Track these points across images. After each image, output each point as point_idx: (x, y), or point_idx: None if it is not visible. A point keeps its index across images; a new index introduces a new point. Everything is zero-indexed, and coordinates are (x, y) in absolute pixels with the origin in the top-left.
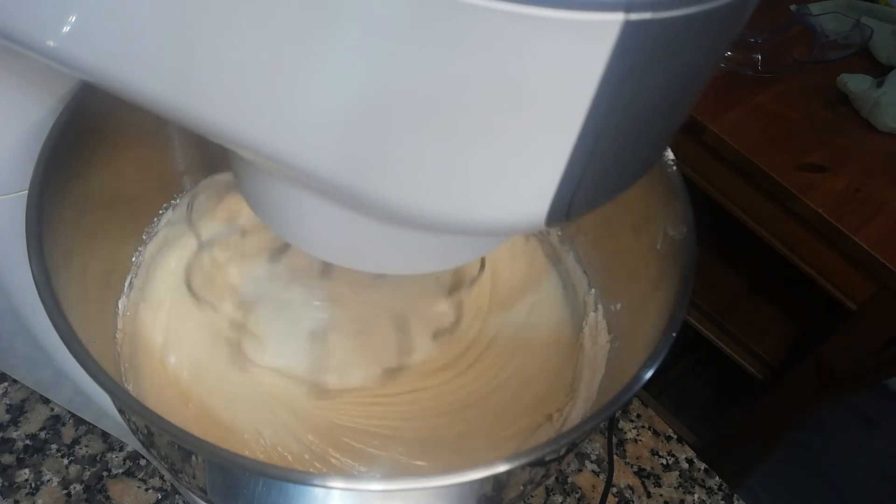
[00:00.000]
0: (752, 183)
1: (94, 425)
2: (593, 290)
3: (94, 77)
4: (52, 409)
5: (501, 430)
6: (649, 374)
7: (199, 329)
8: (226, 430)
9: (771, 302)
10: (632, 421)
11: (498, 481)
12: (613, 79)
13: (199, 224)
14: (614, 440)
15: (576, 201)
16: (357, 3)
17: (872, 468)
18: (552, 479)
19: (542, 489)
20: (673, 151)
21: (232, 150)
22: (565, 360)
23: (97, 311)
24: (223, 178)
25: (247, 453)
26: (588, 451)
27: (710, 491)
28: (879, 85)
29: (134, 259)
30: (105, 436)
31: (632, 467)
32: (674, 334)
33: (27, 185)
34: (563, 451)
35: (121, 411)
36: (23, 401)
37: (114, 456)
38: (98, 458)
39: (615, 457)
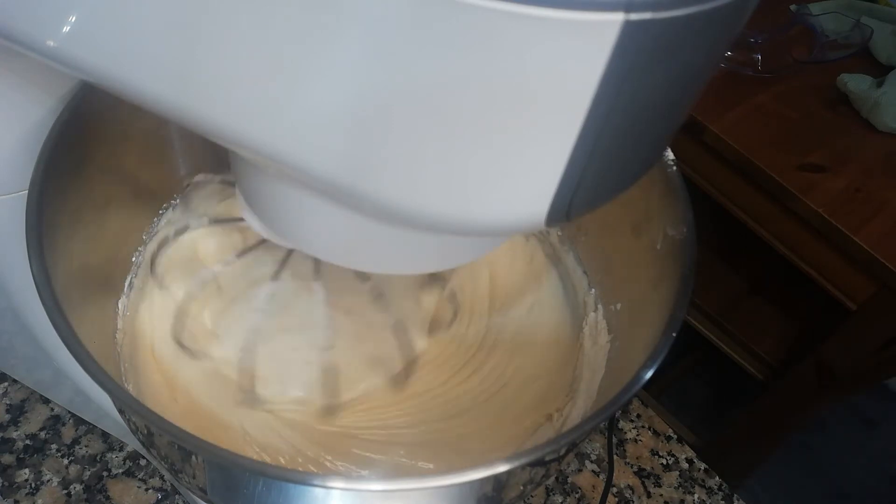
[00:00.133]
0: (752, 183)
1: (94, 425)
2: (593, 290)
3: (94, 77)
4: (52, 409)
5: (502, 431)
6: (649, 374)
7: (198, 376)
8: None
9: (771, 302)
10: (632, 421)
11: (498, 481)
12: (613, 79)
13: (168, 280)
14: (614, 440)
15: (576, 201)
16: (357, 3)
17: (872, 468)
18: (552, 479)
19: (542, 489)
20: (673, 151)
21: (232, 150)
22: (565, 360)
23: (97, 311)
24: (174, 218)
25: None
26: (588, 451)
27: (710, 491)
28: (879, 85)
29: (134, 259)
30: (105, 436)
31: (632, 467)
32: (674, 334)
33: (27, 185)
34: (563, 451)
35: (121, 411)
36: (23, 401)
37: (114, 456)
38: (98, 458)
39: (615, 457)
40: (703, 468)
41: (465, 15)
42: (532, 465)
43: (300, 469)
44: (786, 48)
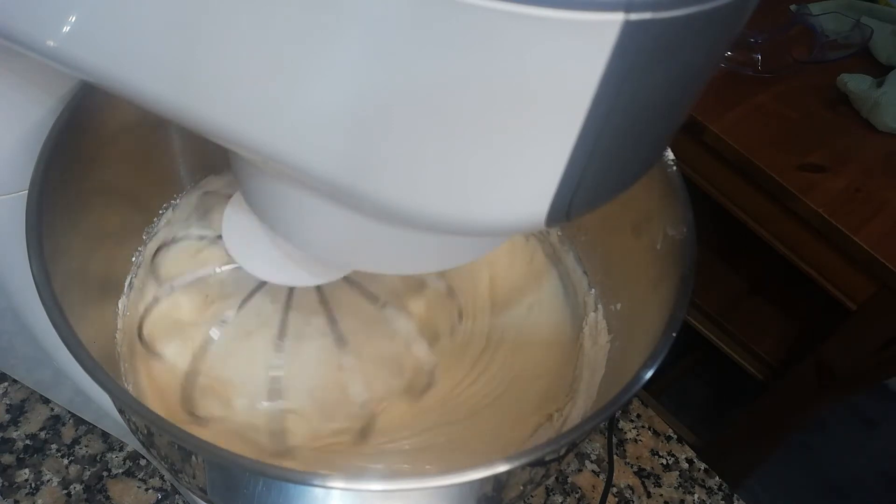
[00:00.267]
0: (752, 183)
1: (94, 425)
2: (593, 290)
3: (94, 77)
4: (52, 409)
5: (504, 433)
6: (649, 374)
7: (220, 437)
8: None
9: (771, 302)
10: (632, 421)
11: (498, 481)
12: (613, 79)
13: (160, 347)
14: (614, 440)
15: (576, 201)
16: (357, 3)
17: (872, 468)
18: (552, 479)
19: (542, 489)
20: (673, 151)
21: (232, 150)
22: (565, 360)
23: (97, 311)
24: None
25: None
26: (588, 451)
27: (710, 491)
28: (879, 85)
29: (134, 259)
30: (105, 436)
31: (632, 467)
32: (674, 334)
33: (27, 185)
34: (563, 451)
35: (121, 411)
36: (23, 401)
37: (114, 456)
38: (98, 458)
39: (615, 457)
40: (703, 468)
41: (465, 15)
42: (532, 465)
43: (299, 469)
44: (786, 48)
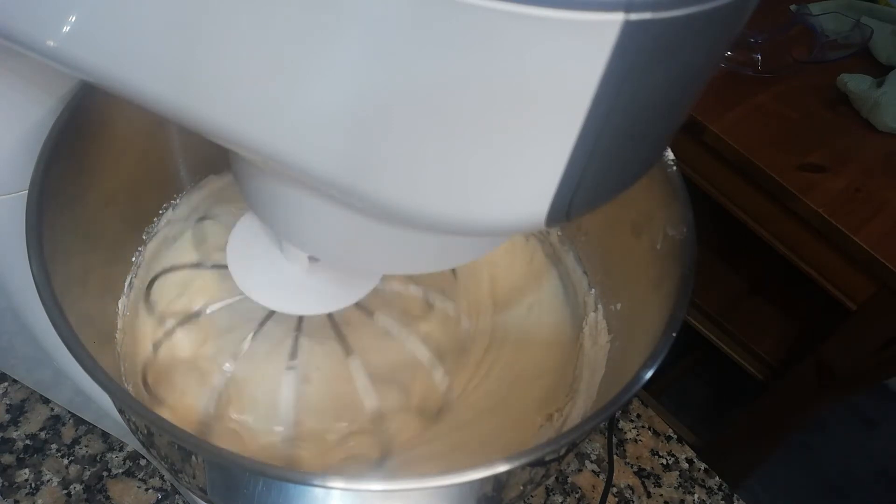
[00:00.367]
0: (752, 183)
1: (94, 425)
2: (593, 290)
3: (94, 77)
4: (52, 409)
5: (503, 432)
6: (649, 374)
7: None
8: None
9: (771, 302)
10: (632, 421)
11: (498, 481)
12: (613, 79)
13: (172, 399)
14: (614, 440)
15: (576, 201)
16: (357, 3)
17: (872, 468)
18: (552, 479)
19: (542, 489)
20: (673, 151)
21: (232, 150)
22: (565, 360)
23: (97, 311)
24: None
25: None
26: (588, 451)
27: (710, 491)
28: (879, 85)
29: (134, 259)
30: (105, 436)
31: (632, 467)
32: (674, 334)
33: (27, 185)
34: (563, 451)
35: (121, 411)
36: (23, 401)
37: (114, 456)
38: (98, 458)
39: (615, 457)
40: (703, 468)
41: (465, 15)
42: (532, 465)
43: (299, 469)
44: (786, 48)
